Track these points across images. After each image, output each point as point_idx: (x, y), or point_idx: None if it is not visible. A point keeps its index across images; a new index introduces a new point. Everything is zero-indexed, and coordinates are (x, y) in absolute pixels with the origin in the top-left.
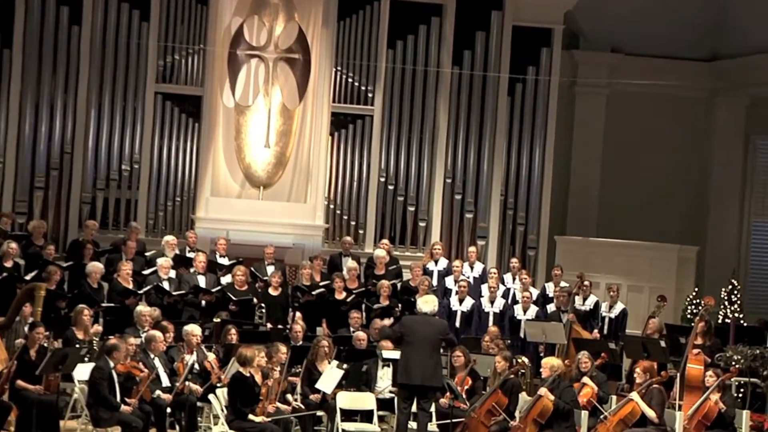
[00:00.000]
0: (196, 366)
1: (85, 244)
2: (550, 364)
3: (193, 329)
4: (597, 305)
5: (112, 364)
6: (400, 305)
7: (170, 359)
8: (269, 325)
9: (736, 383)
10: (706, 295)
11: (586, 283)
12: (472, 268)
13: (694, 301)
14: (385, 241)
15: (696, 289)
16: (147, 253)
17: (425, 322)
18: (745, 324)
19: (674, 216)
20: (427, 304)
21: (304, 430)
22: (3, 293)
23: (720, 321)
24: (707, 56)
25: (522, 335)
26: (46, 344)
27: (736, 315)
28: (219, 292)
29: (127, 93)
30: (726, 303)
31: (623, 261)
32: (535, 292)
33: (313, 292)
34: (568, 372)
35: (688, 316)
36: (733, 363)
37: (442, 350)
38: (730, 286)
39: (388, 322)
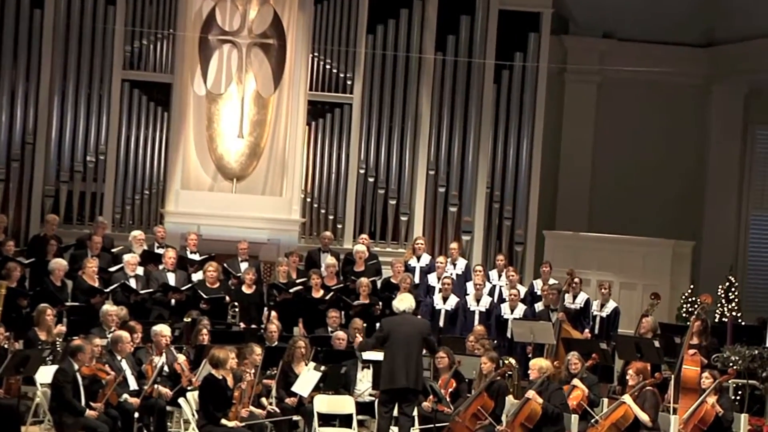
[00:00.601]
0: (166, 368)
1: (47, 239)
2: (539, 365)
3: (162, 329)
4: (588, 303)
5: (76, 367)
6: (380, 303)
7: (138, 361)
8: (243, 325)
9: (734, 385)
10: (703, 293)
11: (576, 280)
12: (455, 264)
13: (690, 299)
14: (365, 236)
15: (692, 287)
16: (113, 249)
17: (405, 322)
18: (743, 323)
19: (669, 209)
20: (402, 302)
21: None
22: None
23: (717, 320)
24: (703, 41)
25: (509, 335)
26: (6, 345)
27: (734, 313)
28: (189, 290)
29: (93, 80)
30: (723, 301)
31: (615, 257)
32: (522, 290)
33: (290, 290)
34: (558, 374)
35: (684, 314)
36: (731, 364)
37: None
38: (727, 283)
39: (360, 323)
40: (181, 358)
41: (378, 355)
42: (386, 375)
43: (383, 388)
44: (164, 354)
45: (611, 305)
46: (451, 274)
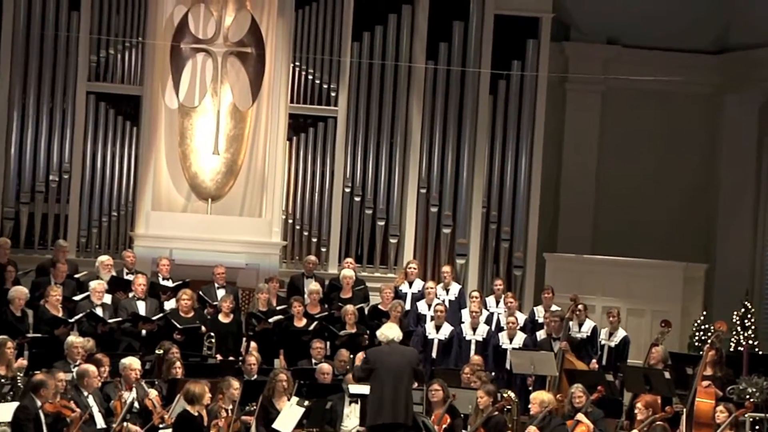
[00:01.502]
0: (136, 404)
1: (4, 266)
2: (540, 399)
3: (132, 362)
4: (595, 332)
5: (38, 403)
6: (368, 332)
7: (106, 397)
8: (219, 357)
9: (751, 419)
10: (717, 320)
11: (580, 306)
12: (447, 290)
13: (703, 327)
14: (350, 259)
15: (705, 313)
16: (77, 275)
17: (393, 352)
18: (760, 352)
19: (679, 230)
20: (391, 330)
21: None
22: None
23: (732, 349)
24: (715, 48)
25: (508, 366)
26: None
27: (750, 342)
28: (161, 320)
29: (55, 92)
30: (739, 328)
31: (622, 281)
32: (522, 318)
33: (270, 319)
34: (560, 408)
35: (696, 343)
36: (747, 396)
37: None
38: (743, 309)
39: (346, 354)
40: (153, 393)
41: (366, 389)
42: (373, 409)
43: (370, 423)
44: (134, 389)
45: (621, 334)
46: (444, 301)
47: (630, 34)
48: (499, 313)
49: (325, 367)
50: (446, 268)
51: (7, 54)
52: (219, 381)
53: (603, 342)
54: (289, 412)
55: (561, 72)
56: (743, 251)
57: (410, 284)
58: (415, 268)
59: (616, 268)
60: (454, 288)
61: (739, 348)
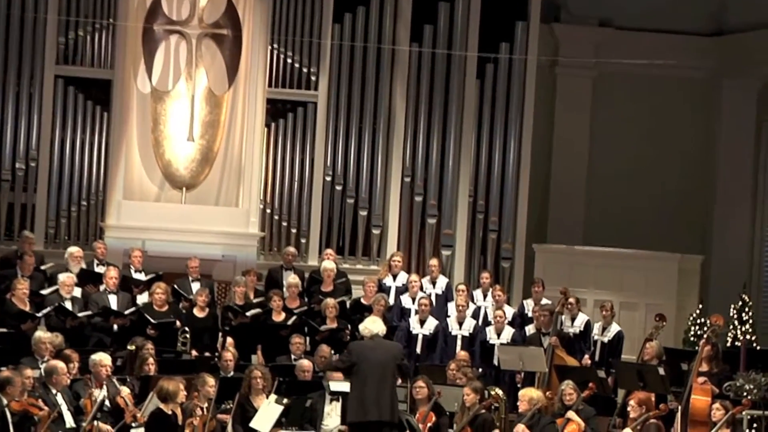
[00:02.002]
0: (107, 403)
1: None
2: (529, 396)
3: (102, 359)
4: (588, 326)
5: (5, 402)
6: (349, 327)
7: (75, 395)
8: (194, 353)
9: (749, 417)
10: (713, 314)
11: (572, 300)
12: (434, 283)
13: (699, 321)
14: (331, 251)
15: (700, 307)
16: (43, 267)
17: (377, 346)
18: (758, 347)
19: (674, 220)
20: (375, 324)
21: None
22: None
23: (729, 344)
24: (712, 30)
25: (495, 362)
26: None
27: (748, 337)
28: (134, 314)
29: (22, 76)
30: (736, 322)
31: (614, 274)
32: (510, 312)
33: (247, 313)
34: (550, 406)
35: (692, 338)
36: (745, 393)
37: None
38: (740, 303)
39: (327, 350)
40: (125, 391)
41: (347, 386)
42: (355, 406)
43: (352, 420)
44: (105, 386)
45: (614, 329)
46: (430, 294)
47: (623, 15)
48: (486, 307)
49: (305, 363)
50: (434, 261)
51: None
52: (194, 378)
53: (596, 337)
54: (267, 410)
55: (551, 55)
56: (741, 242)
57: (394, 277)
58: (399, 261)
59: (609, 259)
60: (441, 281)
61: (737, 343)
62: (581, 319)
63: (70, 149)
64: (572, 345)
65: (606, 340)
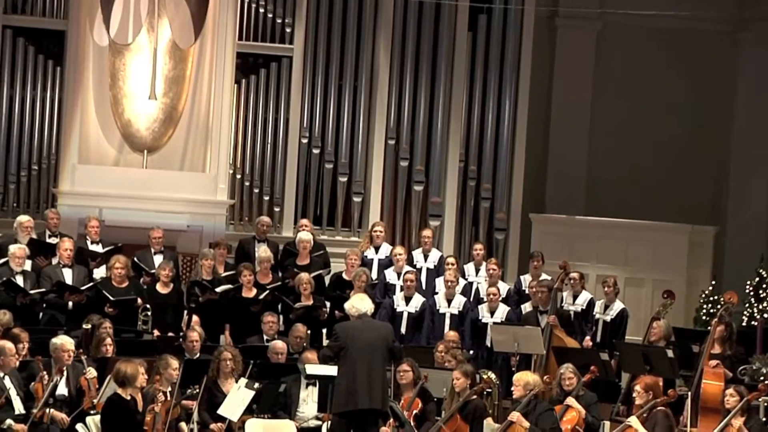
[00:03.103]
0: (63, 389)
1: None
2: (525, 381)
3: (65, 342)
4: (591, 305)
5: None
6: (328, 305)
7: (26, 378)
8: (156, 333)
9: (765, 404)
10: (727, 290)
11: (574, 275)
12: (426, 257)
13: (711, 298)
14: (307, 221)
15: (713, 283)
16: None
17: (366, 327)
18: None
19: (685, 187)
20: (363, 302)
21: None
22: None
23: (744, 323)
24: None
25: (488, 344)
26: None
27: (765, 316)
28: (90, 290)
29: None
30: (752, 300)
31: (619, 246)
32: (505, 288)
33: (216, 290)
34: (548, 391)
35: (703, 317)
36: (761, 378)
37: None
38: (757, 279)
39: (303, 330)
40: (91, 373)
41: (326, 369)
42: (343, 394)
43: (339, 410)
44: (65, 371)
45: (617, 306)
46: (421, 269)
47: None
48: (478, 283)
49: (279, 344)
50: (426, 232)
51: None
52: (156, 360)
53: (597, 316)
54: (237, 395)
55: (551, 6)
56: (758, 211)
57: (376, 249)
58: (381, 231)
59: (613, 230)
60: (434, 255)
61: (753, 322)
62: (584, 297)
63: (19, 108)
64: (572, 325)
65: (608, 319)
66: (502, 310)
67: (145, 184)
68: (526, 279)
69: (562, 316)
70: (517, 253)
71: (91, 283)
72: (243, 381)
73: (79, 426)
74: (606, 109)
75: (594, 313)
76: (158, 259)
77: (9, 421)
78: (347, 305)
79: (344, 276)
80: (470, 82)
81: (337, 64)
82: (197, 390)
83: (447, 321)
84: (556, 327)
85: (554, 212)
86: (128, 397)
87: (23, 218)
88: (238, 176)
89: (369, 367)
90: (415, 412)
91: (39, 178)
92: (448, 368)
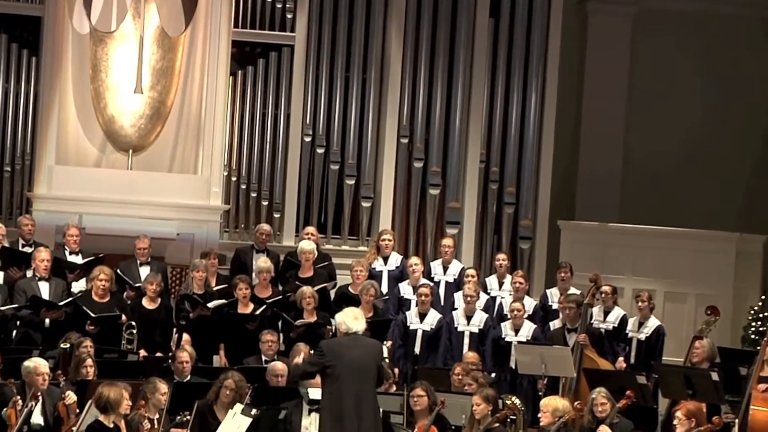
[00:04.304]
0: (39, 417)
1: None
2: (553, 406)
3: (38, 365)
4: (623, 322)
5: None
6: (333, 322)
7: None
8: (143, 353)
9: None
10: None
11: (606, 288)
12: (445, 269)
13: (761, 315)
14: (312, 228)
15: (763, 297)
16: None
17: (355, 345)
18: None
19: (731, 192)
20: (357, 321)
21: None
22: None
23: None
24: None
25: (512, 365)
26: None
27: None
28: (69, 306)
29: None
30: None
31: (657, 257)
32: (530, 303)
33: (208, 305)
34: (579, 418)
35: (752, 336)
36: None
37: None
38: None
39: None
40: (71, 397)
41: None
42: (328, 419)
43: None
44: (40, 397)
45: (652, 323)
46: (439, 282)
47: None
48: (501, 298)
49: (278, 366)
50: (447, 241)
51: None
52: (142, 383)
53: (631, 334)
54: (232, 423)
55: None
56: None
57: (385, 260)
58: (390, 240)
59: (650, 239)
60: (455, 267)
61: None
62: (616, 313)
63: None
64: (603, 344)
65: (643, 337)
66: (528, 328)
67: (130, 187)
68: (553, 293)
69: (593, 335)
70: (544, 264)
71: (70, 298)
72: (239, 407)
73: None
74: (643, 104)
75: (627, 331)
76: (144, 271)
77: None
78: (338, 318)
79: (350, 290)
80: (492, 74)
81: (344, 53)
82: (188, 417)
83: (466, 340)
84: (586, 346)
85: (585, 219)
86: (111, 425)
87: None
88: (234, 179)
89: (358, 390)
90: None
91: (12, 181)
92: (467, 393)
